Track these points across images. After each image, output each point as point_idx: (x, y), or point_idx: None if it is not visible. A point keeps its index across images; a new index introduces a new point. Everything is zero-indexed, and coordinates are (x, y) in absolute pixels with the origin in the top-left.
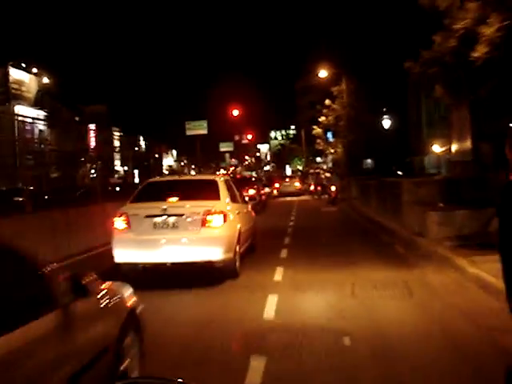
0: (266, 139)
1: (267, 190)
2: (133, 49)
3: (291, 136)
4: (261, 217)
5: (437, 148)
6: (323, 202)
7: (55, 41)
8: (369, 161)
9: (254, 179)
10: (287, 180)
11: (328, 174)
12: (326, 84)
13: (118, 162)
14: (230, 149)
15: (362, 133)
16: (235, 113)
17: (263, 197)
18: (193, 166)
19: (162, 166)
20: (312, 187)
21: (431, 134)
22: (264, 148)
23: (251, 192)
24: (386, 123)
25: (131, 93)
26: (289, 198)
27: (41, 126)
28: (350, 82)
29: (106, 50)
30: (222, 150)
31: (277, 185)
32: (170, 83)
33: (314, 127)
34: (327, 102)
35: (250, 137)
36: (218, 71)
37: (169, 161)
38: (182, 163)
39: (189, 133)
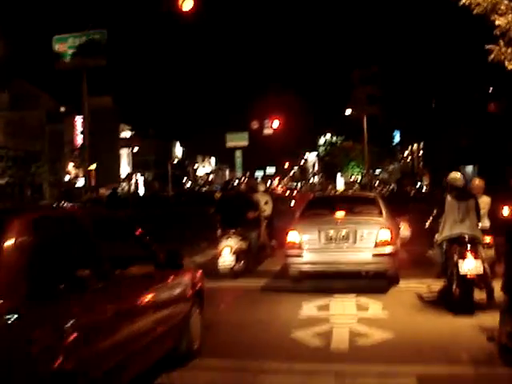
0: (314, 147)
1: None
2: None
3: (342, 138)
4: None
5: None
6: None
7: None
8: (469, 167)
9: None
10: (337, 214)
11: None
12: None
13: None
14: (244, 143)
15: None
16: None
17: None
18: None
19: (187, 173)
20: None
21: None
22: (312, 156)
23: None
24: None
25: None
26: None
27: None
28: None
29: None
30: (229, 144)
31: (290, 237)
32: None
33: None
34: None
35: (276, 124)
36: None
37: (205, 169)
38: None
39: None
